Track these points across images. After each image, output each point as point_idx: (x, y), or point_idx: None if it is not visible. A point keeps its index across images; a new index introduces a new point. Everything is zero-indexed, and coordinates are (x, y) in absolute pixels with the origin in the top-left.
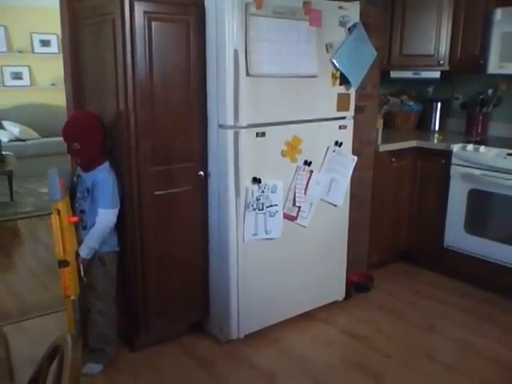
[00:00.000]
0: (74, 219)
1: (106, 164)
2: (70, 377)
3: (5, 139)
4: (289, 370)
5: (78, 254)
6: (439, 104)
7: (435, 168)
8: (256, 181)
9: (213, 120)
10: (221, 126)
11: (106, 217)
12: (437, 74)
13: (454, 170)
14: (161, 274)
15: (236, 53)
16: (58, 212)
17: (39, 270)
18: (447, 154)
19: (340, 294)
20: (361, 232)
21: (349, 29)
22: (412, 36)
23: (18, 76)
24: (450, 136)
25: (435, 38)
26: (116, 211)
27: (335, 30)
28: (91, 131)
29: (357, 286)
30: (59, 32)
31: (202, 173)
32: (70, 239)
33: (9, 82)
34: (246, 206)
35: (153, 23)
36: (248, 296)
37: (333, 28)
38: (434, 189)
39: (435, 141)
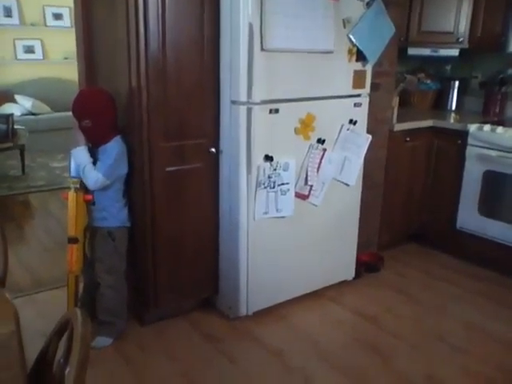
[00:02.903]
0: (89, 197)
1: (117, 137)
2: (79, 351)
3: (17, 113)
4: (297, 348)
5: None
6: (457, 83)
7: (450, 148)
8: (268, 158)
9: (225, 96)
10: (233, 102)
11: (92, 177)
12: (455, 52)
13: (470, 151)
14: (171, 250)
15: (251, 26)
16: (76, 189)
17: (50, 244)
18: (463, 135)
19: (350, 274)
20: (372, 212)
21: (367, 3)
22: (431, 12)
23: (30, 49)
24: (467, 116)
25: (455, 15)
26: (104, 181)
27: (353, 4)
28: (103, 109)
29: (367, 265)
30: (72, 5)
31: (213, 149)
32: (82, 217)
33: (21, 55)
34: (258, 184)
35: None
36: (257, 273)
37: (351, 2)
38: (448, 169)
39: (452, 120)
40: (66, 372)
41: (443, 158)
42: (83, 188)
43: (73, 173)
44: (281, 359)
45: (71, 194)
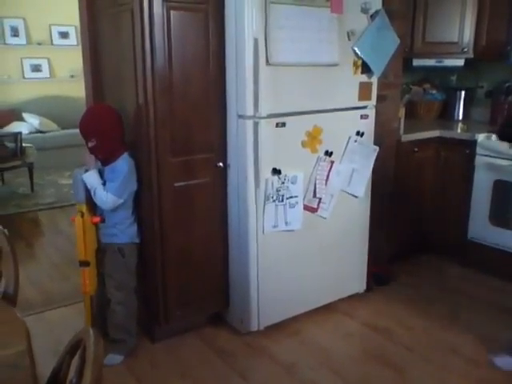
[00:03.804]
0: (97, 220)
1: (125, 155)
2: (92, 371)
3: (25, 131)
4: (309, 362)
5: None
6: (463, 93)
7: (459, 158)
8: (276, 172)
9: (232, 110)
10: (240, 117)
11: (104, 198)
12: (461, 62)
13: (479, 161)
14: (180, 265)
15: (256, 42)
16: (82, 214)
17: (60, 261)
18: (471, 144)
19: (361, 286)
20: (382, 223)
21: (371, 16)
22: (435, 23)
23: (37, 68)
24: (474, 125)
25: (459, 25)
26: (116, 201)
27: (357, 17)
28: (107, 127)
29: (377, 278)
30: (77, 24)
31: (221, 164)
32: (91, 240)
33: (29, 74)
34: (266, 198)
35: (171, 12)
36: (268, 288)
37: (354, 15)
38: (457, 179)
39: (459, 130)
40: None
41: (452, 168)
42: (90, 211)
43: (78, 197)
44: (293, 374)
45: (78, 219)
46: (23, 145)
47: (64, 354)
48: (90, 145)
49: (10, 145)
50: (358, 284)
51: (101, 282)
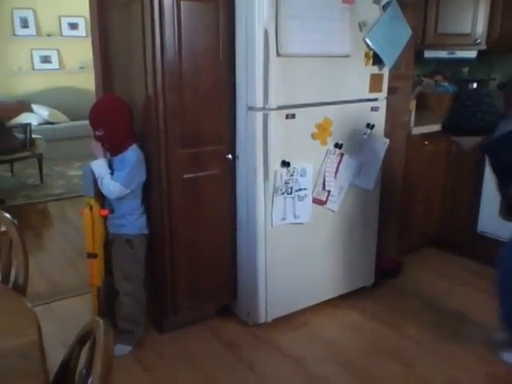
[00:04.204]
0: (105, 212)
1: (134, 146)
2: (102, 362)
3: (34, 122)
4: (316, 355)
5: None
6: (475, 85)
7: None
8: (285, 164)
9: (241, 102)
10: (250, 108)
11: (111, 188)
12: (473, 54)
13: None
14: (189, 257)
15: (266, 32)
16: (91, 208)
17: (69, 252)
18: None
19: (369, 280)
20: (391, 216)
21: (383, 6)
22: (447, 14)
23: (47, 59)
24: None
25: (472, 16)
26: (123, 190)
27: (369, 7)
28: (116, 118)
29: (386, 271)
30: (87, 15)
31: (230, 156)
32: (99, 232)
33: (38, 65)
34: (275, 190)
35: (181, 3)
36: (276, 280)
37: (366, 5)
38: (468, 173)
39: None
40: (89, 382)
41: (463, 161)
42: (99, 203)
43: (87, 191)
44: (301, 367)
45: (86, 212)
46: (33, 136)
47: (74, 345)
48: (97, 133)
49: (20, 136)
50: (367, 277)
51: (109, 273)
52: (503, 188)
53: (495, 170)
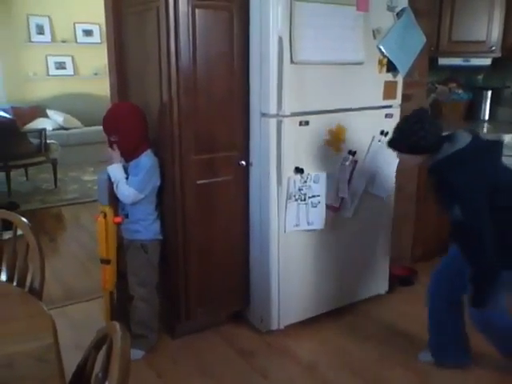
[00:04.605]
0: (118, 220)
1: (148, 151)
2: (120, 366)
3: (49, 128)
4: (329, 363)
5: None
6: (489, 92)
7: None
8: (298, 171)
9: (255, 108)
10: (263, 115)
11: (126, 193)
12: (488, 61)
13: (506, 162)
14: (202, 262)
15: (280, 40)
16: (105, 215)
17: (82, 256)
18: (498, 145)
19: (383, 288)
20: (405, 224)
21: (397, 13)
22: (462, 21)
23: (61, 65)
24: (501, 126)
25: (487, 23)
26: (138, 195)
27: (383, 14)
28: (128, 124)
29: (400, 279)
30: (101, 22)
31: (243, 162)
32: (113, 239)
33: (53, 71)
34: (288, 197)
35: (197, 10)
36: (289, 287)
37: (380, 13)
38: None
39: (485, 131)
40: None
41: None
42: (113, 210)
43: (101, 199)
44: (314, 374)
45: (100, 220)
46: (47, 141)
47: (90, 349)
48: (111, 140)
49: (35, 141)
50: (381, 285)
51: (121, 278)
52: (445, 210)
53: (437, 191)
